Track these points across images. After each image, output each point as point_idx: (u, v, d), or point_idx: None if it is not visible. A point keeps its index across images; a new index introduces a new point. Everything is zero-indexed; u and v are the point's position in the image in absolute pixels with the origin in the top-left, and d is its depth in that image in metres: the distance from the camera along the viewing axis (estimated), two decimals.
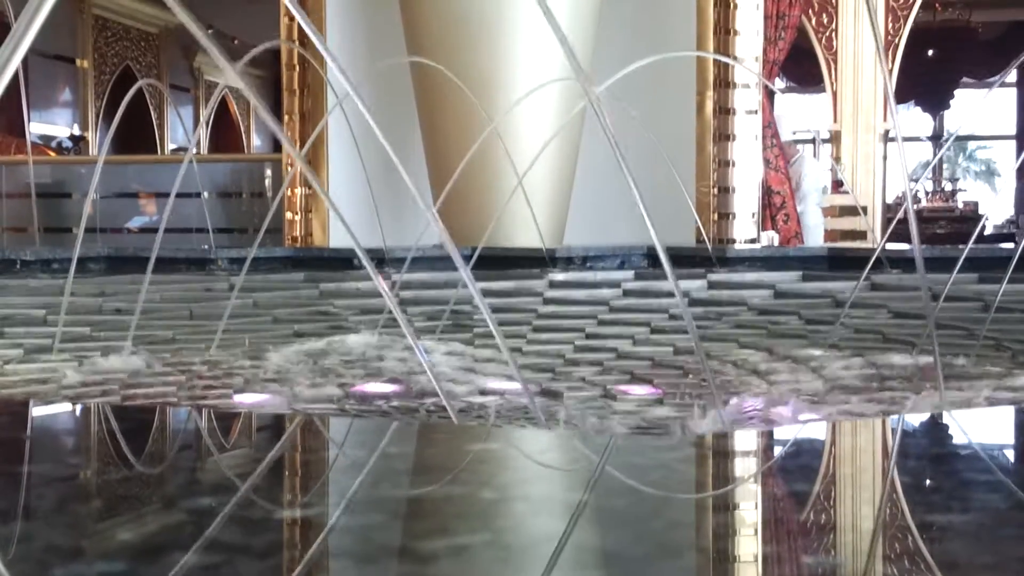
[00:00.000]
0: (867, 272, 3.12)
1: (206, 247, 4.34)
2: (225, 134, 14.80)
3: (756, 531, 0.78)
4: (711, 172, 5.95)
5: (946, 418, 1.42)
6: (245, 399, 2.35)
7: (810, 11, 9.83)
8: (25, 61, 1.14)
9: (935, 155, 16.29)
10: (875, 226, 9.32)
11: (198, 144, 13.88)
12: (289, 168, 6.23)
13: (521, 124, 4.89)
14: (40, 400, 2.25)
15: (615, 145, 1.40)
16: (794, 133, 8.63)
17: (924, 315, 2.78)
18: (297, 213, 6.31)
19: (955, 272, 2.80)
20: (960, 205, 14.28)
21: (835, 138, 10.35)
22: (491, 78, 4.98)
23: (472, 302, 3.51)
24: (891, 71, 8.84)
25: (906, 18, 10.00)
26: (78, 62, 11.59)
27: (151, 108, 12.79)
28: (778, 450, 1.07)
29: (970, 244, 3.06)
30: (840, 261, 3.80)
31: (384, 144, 1.37)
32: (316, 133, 5.72)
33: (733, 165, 5.96)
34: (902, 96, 13.14)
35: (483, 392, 2.38)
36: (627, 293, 3.70)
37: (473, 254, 3.60)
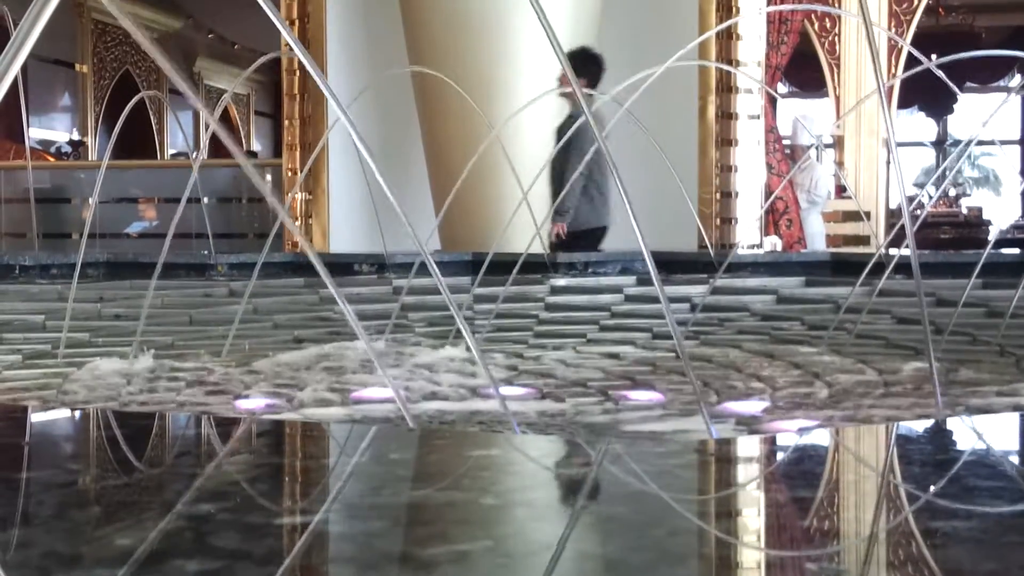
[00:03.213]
0: (866, 277, 3.12)
1: (206, 252, 4.34)
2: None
3: (759, 538, 0.78)
4: (713, 177, 5.95)
5: (949, 424, 1.41)
6: (246, 404, 2.35)
7: (812, 16, 9.83)
8: (24, 66, 1.14)
9: (939, 161, 16.29)
10: (879, 231, 9.31)
11: (197, 149, 13.90)
12: (290, 173, 6.24)
13: (522, 129, 4.89)
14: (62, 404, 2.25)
15: (612, 163, 1.39)
16: (819, 137, 8.60)
17: (932, 321, 2.77)
18: (298, 218, 6.31)
19: (972, 278, 2.79)
20: (964, 210, 14.26)
21: (838, 143, 10.34)
22: (492, 83, 4.98)
23: (474, 307, 3.51)
24: (894, 75, 8.83)
25: (909, 23, 9.99)
26: (77, 67, 11.60)
27: (151, 113, 12.80)
28: (781, 456, 1.07)
29: (987, 250, 3.05)
30: (843, 266, 3.79)
31: (377, 176, 1.36)
32: (317, 151, 5.72)
33: (735, 170, 5.96)
34: (906, 101, 13.14)
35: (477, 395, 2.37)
36: (629, 299, 3.70)
37: (475, 259, 3.60)
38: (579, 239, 5.42)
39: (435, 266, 1.41)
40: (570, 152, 5.22)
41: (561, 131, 5.64)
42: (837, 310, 3.28)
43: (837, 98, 10.20)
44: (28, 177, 6.43)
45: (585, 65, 5.65)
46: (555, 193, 5.41)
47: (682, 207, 4.35)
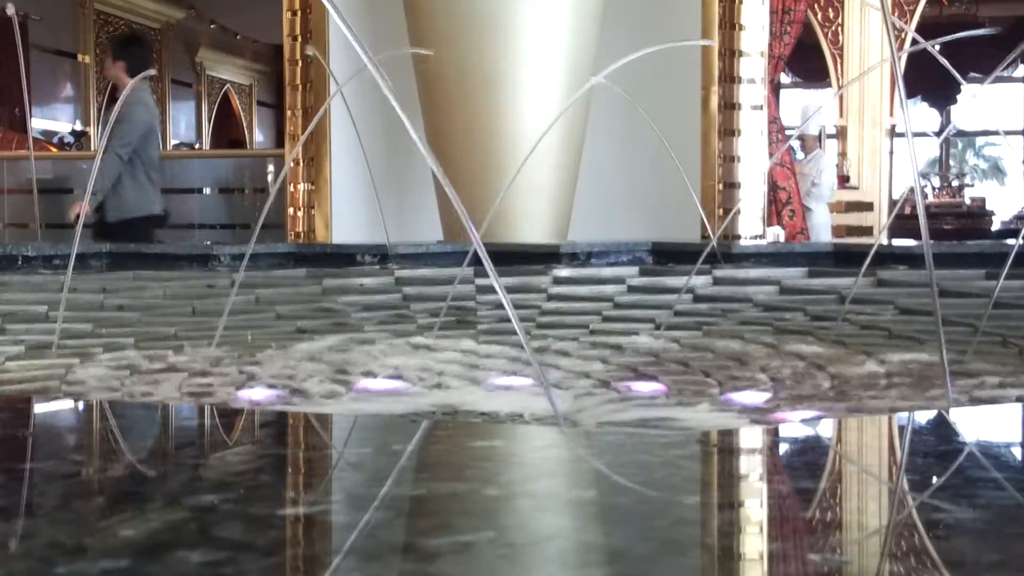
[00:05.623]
0: (871, 268, 3.11)
1: (208, 243, 4.34)
2: (227, 130, 14.82)
3: (762, 528, 0.78)
4: (716, 167, 5.94)
5: (952, 415, 1.41)
6: (248, 396, 2.35)
7: (816, 6, 9.80)
8: (27, 56, 1.13)
9: (941, 150, 16.28)
10: (881, 221, 9.30)
11: (200, 139, 13.91)
12: (292, 163, 6.23)
13: (526, 118, 4.88)
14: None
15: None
16: (822, 127, 8.58)
17: (928, 311, 2.77)
18: (300, 209, 6.31)
19: (1004, 274, 2.76)
20: (967, 201, 14.25)
21: (841, 133, 10.33)
22: (494, 73, 4.97)
23: (475, 299, 3.51)
24: (899, 62, 8.81)
25: (913, 12, 9.98)
26: (80, 57, 11.59)
27: None
28: (784, 447, 1.07)
29: (1015, 242, 3.02)
30: (846, 257, 3.79)
31: (400, 114, 1.35)
32: (318, 118, 5.70)
33: (738, 160, 5.95)
34: (908, 91, 13.11)
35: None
36: (632, 289, 3.69)
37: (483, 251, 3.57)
38: (129, 227, 5.42)
39: (489, 260, 1.40)
40: (112, 134, 5.27)
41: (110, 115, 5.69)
42: (840, 301, 3.27)
43: (840, 88, 10.19)
44: (31, 167, 6.43)
45: (125, 47, 5.68)
46: (122, 177, 5.47)
47: (684, 198, 4.35)
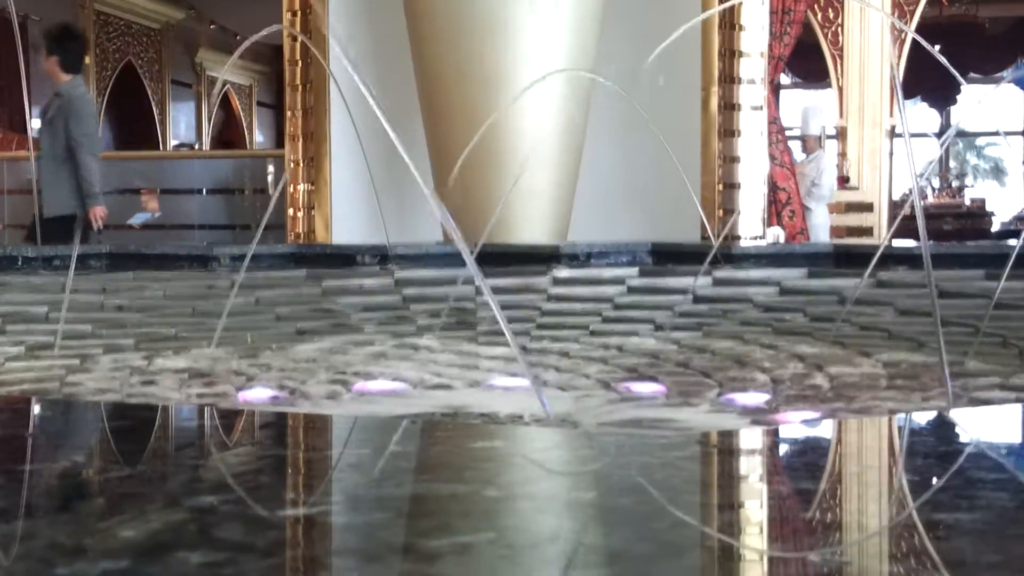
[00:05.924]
0: (872, 269, 3.11)
1: (206, 244, 4.34)
2: (227, 130, 14.83)
3: (761, 529, 0.78)
4: (716, 168, 5.94)
5: (951, 416, 1.41)
6: (248, 397, 2.35)
7: (815, 6, 9.81)
8: (27, 57, 1.13)
9: (941, 151, 16.28)
10: (881, 222, 9.30)
11: (200, 140, 13.92)
12: (292, 164, 6.24)
13: (525, 119, 4.88)
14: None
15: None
16: (822, 128, 8.59)
17: (928, 312, 2.77)
18: (300, 210, 6.31)
19: (1006, 275, 2.76)
20: (967, 202, 14.26)
21: (841, 134, 10.32)
22: (495, 76, 4.97)
23: (475, 300, 3.51)
24: (898, 63, 8.82)
25: (912, 13, 9.98)
26: None
27: (153, 104, 12.81)
28: (783, 448, 1.07)
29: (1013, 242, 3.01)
30: (846, 258, 3.78)
31: (390, 133, 1.36)
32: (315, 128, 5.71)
33: (738, 161, 5.95)
34: (909, 92, 13.11)
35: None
36: (631, 290, 3.69)
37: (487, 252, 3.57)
38: (64, 223, 5.37)
39: (477, 267, 1.40)
40: (69, 131, 5.25)
41: (46, 112, 5.67)
42: (840, 302, 3.27)
43: (840, 89, 10.19)
44: (31, 168, 6.43)
45: (60, 43, 5.68)
46: (53, 174, 5.45)
47: (685, 199, 4.35)
